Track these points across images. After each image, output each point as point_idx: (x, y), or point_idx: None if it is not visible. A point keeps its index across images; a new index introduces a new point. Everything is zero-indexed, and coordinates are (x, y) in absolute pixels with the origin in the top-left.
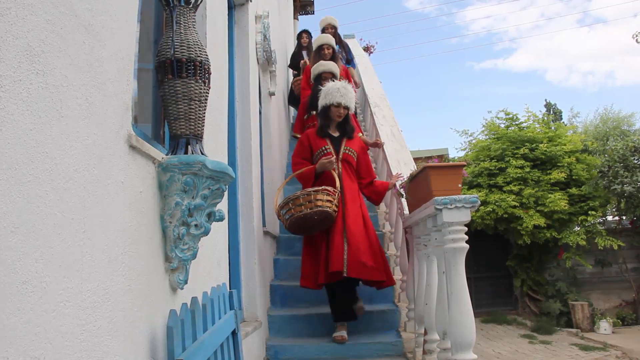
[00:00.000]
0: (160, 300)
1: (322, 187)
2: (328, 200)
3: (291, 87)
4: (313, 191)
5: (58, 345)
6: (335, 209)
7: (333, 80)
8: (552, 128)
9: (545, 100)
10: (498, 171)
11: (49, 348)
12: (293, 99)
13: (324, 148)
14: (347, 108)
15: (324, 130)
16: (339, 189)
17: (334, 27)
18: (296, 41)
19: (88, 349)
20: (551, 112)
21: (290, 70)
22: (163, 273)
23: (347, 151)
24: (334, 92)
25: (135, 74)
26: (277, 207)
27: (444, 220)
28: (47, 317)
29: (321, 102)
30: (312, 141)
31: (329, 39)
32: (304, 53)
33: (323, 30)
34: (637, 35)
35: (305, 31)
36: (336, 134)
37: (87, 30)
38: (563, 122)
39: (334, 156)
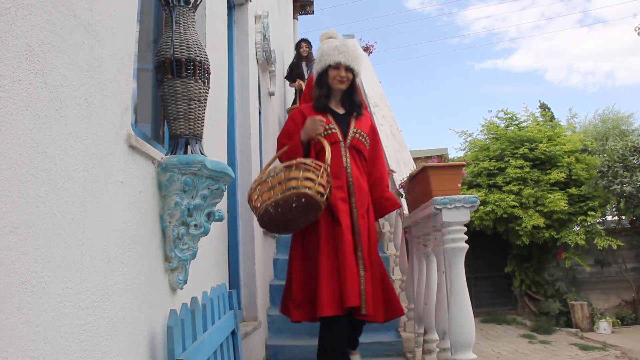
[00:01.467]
0: (160, 300)
1: (297, 160)
2: (307, 179)
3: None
4: (284, 167)
5: (57, 345)
6: (323, 191)
7: None
8: (550, 127)
9: (539, 101)
10: (497, 171)
11: (48, 348)
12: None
13: (327, 127)
14: (350, 70)
15: (322, 101)
16: (327, 161)
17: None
18: (294, 51)
19: (87, 349)
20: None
21: (287, 83)
22: (163, 273)
23: (356, 135)
24: (331, 50)
25: (134, 73)
26: (248, 198)
27: (443, 220)
28: (47, 317)
29: (316, 68)
30: (307, 118)
31: (332, 33)
32: (303, 64)
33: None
34: (639, 29)
35: (305, 40)
36: (340, 111)
37: (86, 30)
38: (558, 120)
39: (342, 141)
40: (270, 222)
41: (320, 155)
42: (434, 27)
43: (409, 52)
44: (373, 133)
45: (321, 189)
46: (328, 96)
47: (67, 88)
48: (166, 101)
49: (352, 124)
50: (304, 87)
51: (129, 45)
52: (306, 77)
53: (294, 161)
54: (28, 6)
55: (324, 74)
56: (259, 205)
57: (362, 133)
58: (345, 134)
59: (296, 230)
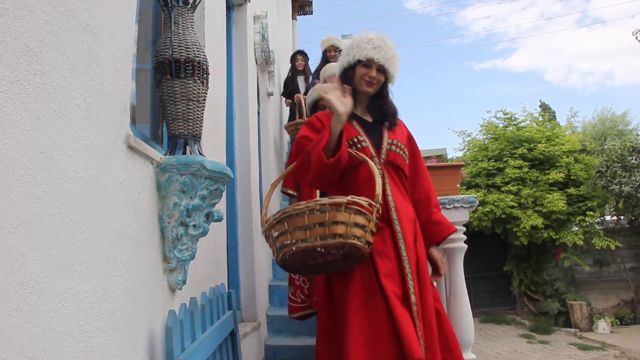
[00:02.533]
0: (159, 301)
1: (349, 198)
2: (357, 225)
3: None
4: (330, 204)
5: (56, 345)
6: (370, 240)
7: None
8: (549, 127)
9: (540, 100)
10: (496, 171)
11: (47, 348)
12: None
13: (355, 140)
14: (383, 72)
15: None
16: (379, 199)
17: (339, 49)
18: (289, 64)
19: (86, 349)
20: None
21: (283, 100)
22: (162, 273)
23: (393, 147)
24: (363, 43)
25: (133, 74)
26: (266, 224)
27: None
28: (46, 317)
29: (342, 62)
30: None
31: (334, 40)
32: (300, 79)
33: (325, 52)
34: (637, 33)
35: (300, 52)
36: (369, 119)
37: (85, 30)
38: (557, 122)
39: (375, 156)
40: (295, 263)
41: (350, 176)
42: (434, 27)
43: (409, 52)
44: (411, 143)
45: (370, 238)
46: (353, 101)
47: (65, 88)
48: (165, 101)
49: (386, 134)
50: (303, 103)
51: (127, 45)
52: (303, 93)
53: (344, 199)
54: (27, 7)
55: (350, 70)
56: (287, 243)
57: (400, 144)
58: (378, 147)
59: (320, 274)
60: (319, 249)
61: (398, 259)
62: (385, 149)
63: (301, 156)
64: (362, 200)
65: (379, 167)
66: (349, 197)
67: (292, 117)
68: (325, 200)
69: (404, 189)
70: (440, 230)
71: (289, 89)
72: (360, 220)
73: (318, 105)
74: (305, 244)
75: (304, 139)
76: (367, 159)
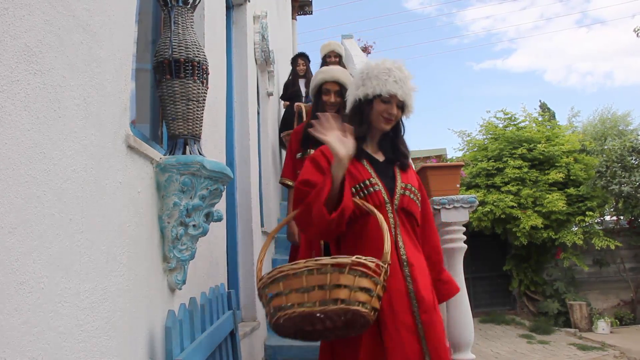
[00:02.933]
0: (159, 301)
1: (353, 258)
2: (363, 289)
3: (280, 138)
4: (332, 265)
5: (56, 345)
6: (377, 306)
7: (338, 98)
8: (548, 127)
9: (540, 100)
10: (496, 171)
11: (47, 348)
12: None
13: (368, 182)
14: (402, 107)
15: (358, 144)
16: (387, 258)
17: (339, 55)
18: (290, 66)
19: (86, 349)
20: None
21: (282, 103)
22: (161, 273)
23: (406, 192)
24: (382, 74)
25: (133, 74)
26: (260, 282)
27: (442, 220)
28: (45, 317)
29: (356, 94)
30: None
31: (335, 46)
32: (301, 83)
33: (324, 58)
34: (638, 30)
35: (302, 56)
36: (380, 158)
37: (85, 30)
38: (557, 122)
39: (388, 202)
40: (290, 329)
41: (358, 225)
42: (434, 27)
43: (409, 52)
44: (421, 187)
45: (377, 304)
46: (365, 137)
47: (65, 88)
48: (165, 101)
49: (399, 177)
50: (304, 111)
51: (127, 45)
52: (304, 98)
53: (347, 259)
54: (26, 6)
55: (366, 104)
56: (282, 306)
57: (413, 189)
58: (391, 192)
59: (319, 340)
60: (318, 314)
61: (414, 319)
62: (398, 194)
63: (302, 207)
64: (369, 261)
65: (392, 214)
66: (354, 258)
67: (288, 124)
68: (327, 260)
69: (417, 239)
70: (449, 290)
71: (289, 92)
72: (366, 283)
73: (322, 89)
74: (303, 308)
75: (305, 185)
76: (375, 211)
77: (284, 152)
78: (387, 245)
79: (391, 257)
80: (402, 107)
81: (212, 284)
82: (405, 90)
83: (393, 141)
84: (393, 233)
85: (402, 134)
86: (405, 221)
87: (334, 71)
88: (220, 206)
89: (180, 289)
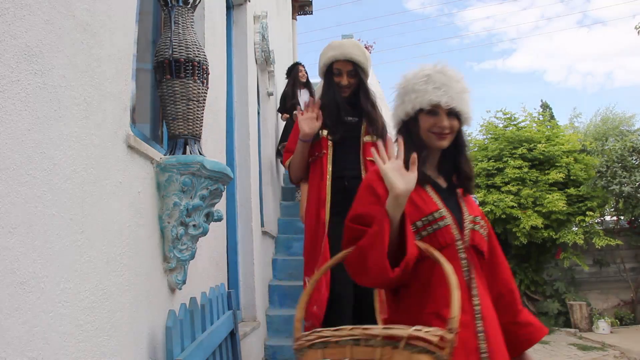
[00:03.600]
0: (159, 301)
1: (412, 331)
2: None
3: (277, 150)
4: (384, 337)
5: (56, 345)
6: None
7: (351, 79)
8: (549, 127)
9: (541, 100)
10: (496, 171)
11: (47, 348)
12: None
13: (437, 215)
14: (456, 115)
15: (422, 169)
16: (456, 325)
17: (361, 66)
18: (286, 77)
19: (86, 349)
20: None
21: (279, 117)
22: (161, 273)
23: (476, 226)
24: (420, 84)
25: (133, 74)
26: (297, 343)
27: None
28: (45, 317)
29: (397, 114)
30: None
31: (351, 49)
32: (304, 93)
33: (329, 67)
34: (638, 28)
35: (301, 64)
36: (442, 184)
37: (85, 30)
38: (557, 120)
39: (458, 239)
40: None
41: (419, 271)
42: (434, 27)
43: (409, 52)
44: (483, 216)
45: None
46: (424, 159)
47: (65, 88)
48: (165, 101)
49: (465, 208)
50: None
51: (127, 45)
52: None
53: (404, 331)
54: (27, 6)
55: (410, 122)
56: None
57: (481, 221)
58: (460, 226)
59: None
60: None
61: None
62: (468, 228)
63: (355, 251)
64: (432, 334)
65: (463, 254)
66: (412, 330)
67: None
68: (378, 330)
69: (486, 282)
70: (532, 334)
71: (289, 104)
72: None
73: (333, 69)
74: None
75: (358, 222)
76: (443, 261)
77: (278, 186)
78: (456, 308)
79: (463, 307)
80: (456, 115)
81: (212, 284)
82: (452, 95)
83: (455, 160)
84: (466, 278)
85: (465, 149)
86: (477, 261)
87: (345, 47)
88: (220, 206)
89: (180, 289)
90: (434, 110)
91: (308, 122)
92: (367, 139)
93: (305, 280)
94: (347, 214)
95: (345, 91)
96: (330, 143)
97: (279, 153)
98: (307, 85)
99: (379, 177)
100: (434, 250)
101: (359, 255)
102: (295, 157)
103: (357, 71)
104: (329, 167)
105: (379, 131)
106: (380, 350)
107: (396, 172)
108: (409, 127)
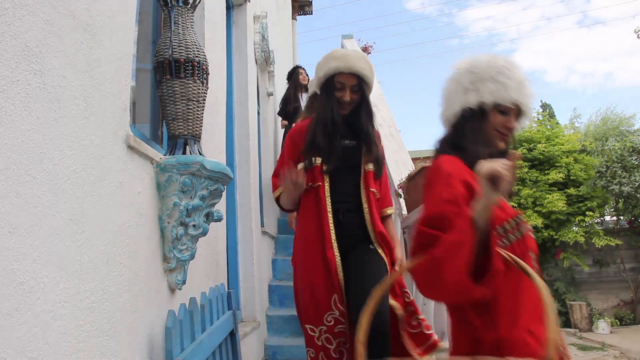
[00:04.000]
0: (159, 301)
1: None
2: None
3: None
4: None
5: (56, 345)
6: None
7: (354, 95)
8: (549, 126)
9: (541, 101)
10: None
11: (47, 349)
12: None
13: (517, 221)
14: (522, 113)
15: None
16: (550, 355)
17: (366, 81)
18: (287, 80)
19: (86, 349)
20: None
21: (279, 121)
22: (161, 273)
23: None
24: (499, 74)
25: (133, 74)
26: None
27: None
28: (45, 317)
29: (465, 100)
30: (473, 185)
31: (357, 61)
32: (302, 98)
33: (329, 79)
34: (638, 31)
35: (302, 67)
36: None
37: (85, 30)
38: (556, 120)
39: (531, 249)
40: None
41: (504, 283)
42: (434, 27)
43: (409, 52)
44: None
45: None
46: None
47: (65, 88)
48: (165, 101)
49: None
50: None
51: (127, 45)
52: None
53: None
54: (26, 6)
55: (479, 116)
56: None
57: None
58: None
59: None
60: None
61: None
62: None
63: (429, 261)
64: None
65: (535, 263)
66: None
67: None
68: None
69: None
70: None
71: (290, 108)
72: None
73: (334, 82)
74: None
75: (433, 227)
76: (532, 273)
77: None
78: (552, 330)
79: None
80: (518, 117)
81: (212, 284)
82: (525, 94)
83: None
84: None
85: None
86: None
87: (351, 59)
88: (220, 206)
89: (180, 289)
90: (509, 109)
91: (296, 186)
92: (369, 167)
93: (307, 328)
94: (343, 251)
95: (345, 108)
96: (326, 175)
97: None
98: (307, 88)
99: (455, 168)
100: (519, 260)
101: (433, 267)
102: (285, 196)
103: (362, 86)
104: (328, 201)
105: (379, 158)
106: None
107: (504, 169)
108: (474, 119)
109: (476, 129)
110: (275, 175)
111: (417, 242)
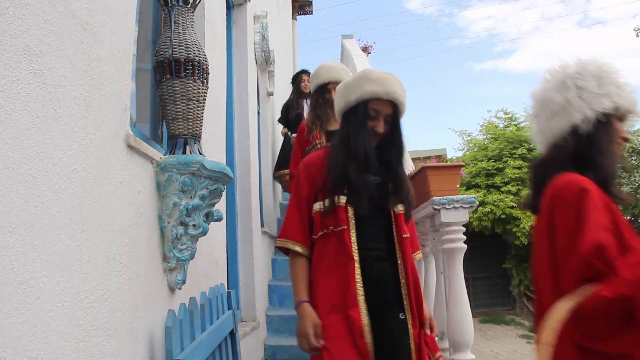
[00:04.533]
0: (159, 300)
1: None
2: None
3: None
4: None
5: (55, 345)
6: None
7: (387, 125)
8: None
9: None
10: (496, 171)
11: (47, 348)
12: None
13: None
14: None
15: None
16: None
17: (401, 110)
18: (291, 84)
19: (86, 349)
20: None
21: (280, 128)
22: (161, 273)
23: None
24: (622, 80)
25: (133, 73)
26: None
27: (442, 221)
28: (45, 317)
29: (596, 103)
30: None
31: (337, 72)
32: (305, 104)
33: (322, 87)
34: (637, 30)
35: (307, 72)
36: None
37: (85, 30)
38: None
39: None
40: None
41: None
42: (435, 27)
43: (409, 53)
44: None
45: None
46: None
47: (65, 88)
48: (165, 101)
49: None
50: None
51: (127, 45)
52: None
53: None
54: (26, 6)
55: (601, 126)
56: None
57: None
58: None
59: None
60: None
61: None
62: None
63: (614, 302)
64: None
65: None
66: None
67: (285, 162)
68: None
69: None
70: None
71: (291, 114)
72: None
73: (326, 88)
74: None
75: (602, 258)
76: None
77: (278, 186)
78: None
79: None
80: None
81: (212, 284)
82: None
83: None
84: None
85: None
86: None
87: (391, 84)
88: (220, 206)
89: (180, 288)
90: (624, 115)
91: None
92: (399, 209)
93: None
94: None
95: (375, 140)
96: (352, 217)
97: (274, 178)
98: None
99: (595, 189)
100: None
101: (621, 309)
102: (294, 280)
103: (396, 116)
104: (355, 247)
105: (410, 199)
106: None
107: None
108: (602, 128)
109: (609, 140)
110: (293, 177)
111: (580, 275)
